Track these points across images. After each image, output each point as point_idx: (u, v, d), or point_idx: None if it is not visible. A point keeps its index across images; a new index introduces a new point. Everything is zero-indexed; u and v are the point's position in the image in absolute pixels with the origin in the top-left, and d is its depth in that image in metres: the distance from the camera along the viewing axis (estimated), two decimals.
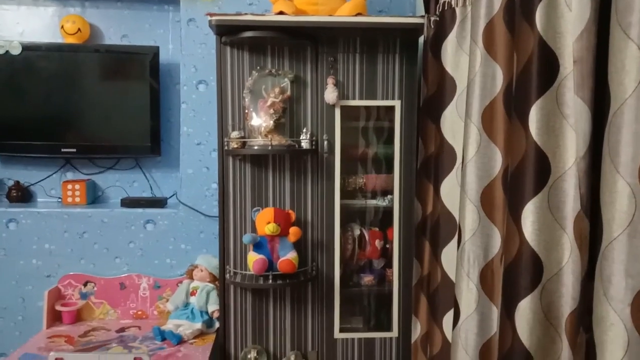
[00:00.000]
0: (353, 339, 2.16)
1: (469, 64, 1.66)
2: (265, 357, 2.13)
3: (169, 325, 2.18)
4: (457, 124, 1.82)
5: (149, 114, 2.47)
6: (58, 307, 2.31)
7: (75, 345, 2.07)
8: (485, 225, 1.60)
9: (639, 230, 1.03)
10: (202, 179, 2.45)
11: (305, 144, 2.04)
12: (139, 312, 2.39)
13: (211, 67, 2.16)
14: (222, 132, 2.05)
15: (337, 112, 2.07)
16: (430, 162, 2.02)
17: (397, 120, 2.09)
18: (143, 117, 2.47)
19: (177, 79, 2.50)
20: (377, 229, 2.23)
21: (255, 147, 2.01)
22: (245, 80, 2.05)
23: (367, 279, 2.22)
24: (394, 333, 2.17)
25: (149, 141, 2.48)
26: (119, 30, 2.57)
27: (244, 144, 2.04)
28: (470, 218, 1.62)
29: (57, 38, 2.49)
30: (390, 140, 2.13)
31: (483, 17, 1.59)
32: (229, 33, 1.98)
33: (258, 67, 2.05)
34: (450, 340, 1.80)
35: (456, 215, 1.81)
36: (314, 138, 2.06)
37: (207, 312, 2.24)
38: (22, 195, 2.52)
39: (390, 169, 2.14)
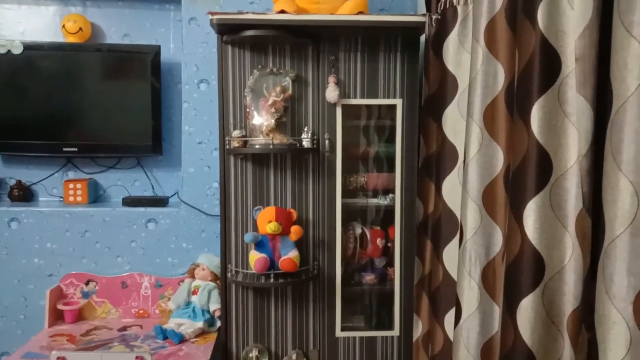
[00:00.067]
0: (354, 338, 2.16)
1: (470, 62, 1.66)
2: (266, 356, 2.13)
3: (171, 324, 2.18)
4: (459, 123, 1.82)
5: (151, 113, 2.47)
6: (60, 306, 2.31)
7: (77, 344, 2.08)
8: (487, 224, 1.59)
9: None
10: (203, 178, 2.45)
11: (306, 143, 2.04)
12: (141, 311, 2.39)
13: (212, 66, 2.16)
14: (224, 131, 2.05)
15: (339, 111, 2.07)
16: (432, 160, 2.01)
17: (398, 119, 2.09)
18: (144, 116, 2.47)
19: (179, 78, 2.50)
20: (378, 227, 2.22)
21: (257, 146, 2.01)
22: (246, 79, 2.05)
23: (369, 277, 2.22)
24: (396, 332, 2.17)
25: (151, 140, 2.49)
26: (120, 29, 2.57)
27: (245, 143, 2.03)
28: (471, 217, 1.62)
29: (59, 37, 2.49)
30: (391, 139, 2.13)
31: (485, 15, 1.59)
32: (230, 32, 1.98)
33: (259, 66, 2.05)
34: (451, 339, 1.80)
35: (458, 213, 1.81)
36: (315, 137, 2.06)
37: (208, 311, 2.24)
38: (24, 194, 2.53)
39: (391, 168, 2.14)
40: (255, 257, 1.98)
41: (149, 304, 2.39)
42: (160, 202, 2.51)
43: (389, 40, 2.06)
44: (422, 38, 2.07)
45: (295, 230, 2.02)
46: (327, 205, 2.10)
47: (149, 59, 2.45)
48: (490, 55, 1.57)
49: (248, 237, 2.02)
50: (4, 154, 2.54)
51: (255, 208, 2.08)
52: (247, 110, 2.05)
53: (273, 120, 2.01)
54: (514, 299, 1.37)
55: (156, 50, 2.46)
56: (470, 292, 1.63)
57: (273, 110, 2.01)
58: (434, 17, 1.96)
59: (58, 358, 1.78)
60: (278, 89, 2.02)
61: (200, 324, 2.18)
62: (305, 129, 2.05)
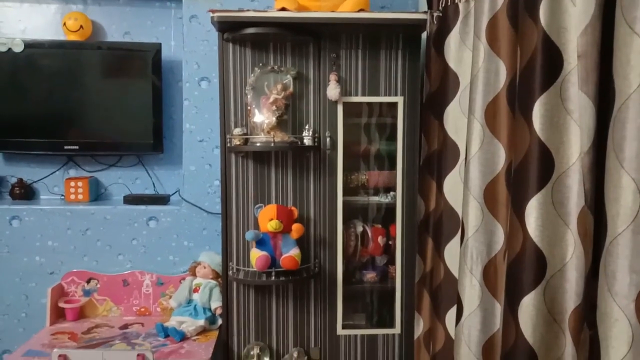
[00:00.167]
0: (356, 336, 2.16)
1: (472, 60, 1.66)
2: (267, 354, 2.13)
3: (172, 322, 2.18)
4: (460, 120, 1.82)
5: (152, 111, 2.47)
6: (61, 304, 2.31)
7: (79, 342, 2.08)
8: (489, 222, 1.59)
9: None
10: (204, 176, 2.45)
11: (307, 141, 2.04)
12: (142, 309, 2.39)
13: (213, 64, 2.16)
14: (225, 129, 2.05)
15: (340, 109, 2.06)
16: (433, 158, 2.01)
17: (399, 117, 2.09)
18: (145, 114, 2.47)
19: (180, 76, 2.50)
20: (379, 225, 2.22)
21: (258, 144, 2.01)
22: (247, 77, 2.04)
23: (370, 275, 2.22)
24: (397, 330, 2.17)
25: (152, 138, 2.48)
26: (121, 27, 2.56)
27: (246, 141, 2.03)
28: (473, 214, 1.62)
29: (60, 35, 2.49)
30: (392, 137, 2.12)
31: (486, 13, 1.59)
32: (231, 29, 1.98)
33: (260, 64, 2.04)
34: (453, 337, 1.79)
35: (459, 211, 1.81)
36: (316, 135, 2.06)
37: (210, 309, 2.24)
38: (25, 192, 2.53)
39: (392, 166, 2.14)
40: (256, 255, 1.98)
41: (150, 302, 2.40)
42: (161, 200, 2.51)
43: (390, 38, 2.06)
44: (424, 35, 2.07)
45: (296, 228, 2.02)
46: (328, 203, 2.10)
47: (149, 56, 2.45)
48: (492, 52, 1.56)
49: (249, 235, 2.02)
50: (5, 152, 2.54)
51: (257, 206, 2.08)
52: (248, 108, 2.05)
53: (274, 118, 2.00)
54: (516, 297, 1.37)
55: (157, 48, 2.46)
56: (471, 290, 1.63)
57: (274, 108, 2.01)
58: (435, 14, 1.96)
59: (60, 356, 1.78)
60: (279, 86, 2.02)
61: (201, 321, 2.19)
62: (307, 127, 2.05)
